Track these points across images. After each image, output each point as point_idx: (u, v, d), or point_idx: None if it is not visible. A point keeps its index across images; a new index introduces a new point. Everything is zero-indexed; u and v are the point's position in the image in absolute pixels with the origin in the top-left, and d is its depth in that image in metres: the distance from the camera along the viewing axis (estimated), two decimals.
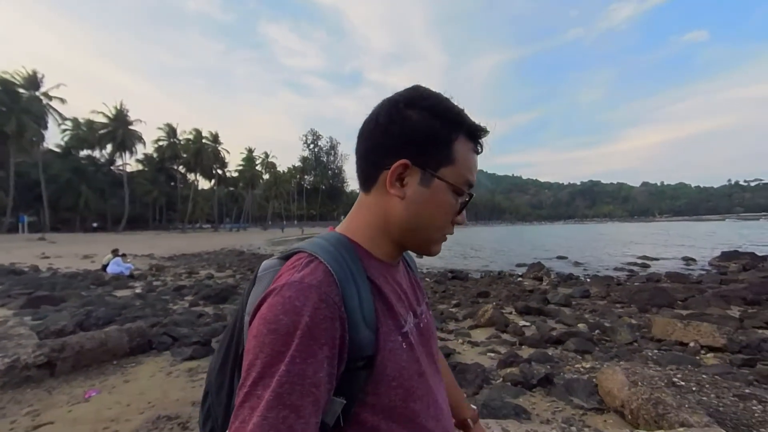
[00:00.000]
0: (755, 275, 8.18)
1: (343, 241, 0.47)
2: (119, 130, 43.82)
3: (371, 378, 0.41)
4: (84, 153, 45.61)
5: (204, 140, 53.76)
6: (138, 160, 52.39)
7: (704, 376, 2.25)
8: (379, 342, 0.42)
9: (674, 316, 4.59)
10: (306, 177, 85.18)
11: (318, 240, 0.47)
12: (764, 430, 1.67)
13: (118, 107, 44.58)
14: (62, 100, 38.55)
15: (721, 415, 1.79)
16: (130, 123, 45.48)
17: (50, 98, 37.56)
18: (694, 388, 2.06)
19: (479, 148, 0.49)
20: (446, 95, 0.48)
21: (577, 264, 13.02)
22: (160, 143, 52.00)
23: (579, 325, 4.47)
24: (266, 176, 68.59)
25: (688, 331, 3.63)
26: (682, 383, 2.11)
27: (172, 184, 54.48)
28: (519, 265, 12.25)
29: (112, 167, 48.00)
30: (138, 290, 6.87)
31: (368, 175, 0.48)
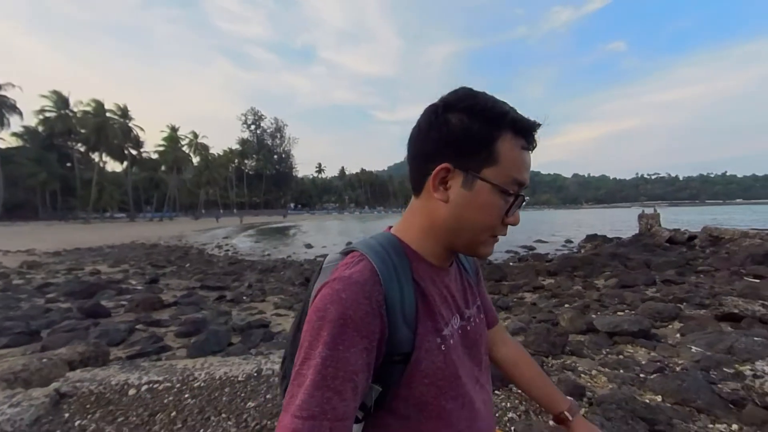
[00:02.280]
0: (590, 252, 10.49)
1: (394, 242, 0.50)
2: None
3: (406, 372, 0.44)
4: None
5: (109, 113, 45.56)
6: (16, 135, 42.40)
7: None
8: (417, 341, 0.45)
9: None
10: (247, 161, 77.87)
11: (371, 240, 0.50)
12: None
13: None
14: None
15: None
16: None
17: None
18: None
19: (531, 144, 0.47)
20: (494, 94, 0.47)
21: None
22: (47, 115, 42.65)
23: None
24: (197, 159, 61.43)
25: None
26: None
27: (69, 165, 45.41)
28: None
29: None
30: None
31: (416, 180, 0.49)
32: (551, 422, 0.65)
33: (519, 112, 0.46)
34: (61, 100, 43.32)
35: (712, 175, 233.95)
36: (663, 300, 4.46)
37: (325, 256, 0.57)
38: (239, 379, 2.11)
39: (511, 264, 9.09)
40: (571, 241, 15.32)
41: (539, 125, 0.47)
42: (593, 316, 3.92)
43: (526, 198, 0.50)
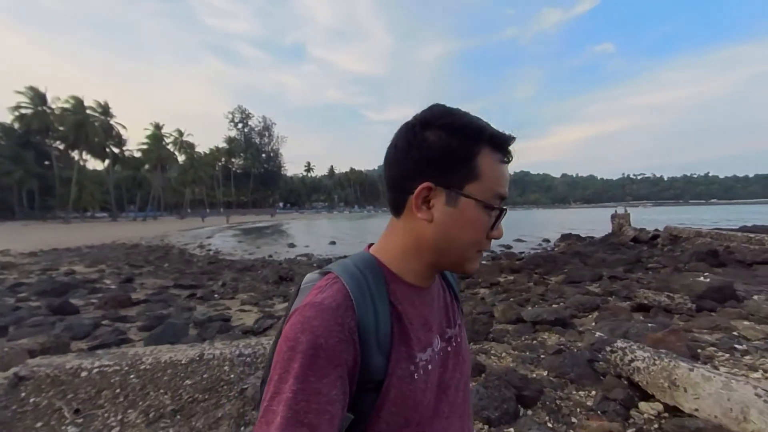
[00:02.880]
0: (557, 251, 11.08)
1: (372, 262, 0.48)
2: None
3: (378, 401, 0.43)
4: None
5: (89, 111, 44.41)
6: None
7: None
8: (389, 368, 0.43)
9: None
10: (234, 160, 77.13)
11: (347, 261, 0.48)
12: None
13: None
14: None
15: None
16: None
17: None
18: None
19: (508, 157, 0.48)
20: (473, 112, 0.47)
21: None
22: (22, 111, 41.28)
23: None
24: (182, 158, 60.44)
25: None
26: None
27: (47, 163, 44.06)
28: None
29: None
30: None
31: (396, 201, 0.48)
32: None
33: (494, 126, 0.47)
34: (38, 97, 41.94)
35: (695, 176, 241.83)
36: (596, 294, 4.94)
37: (305, 270, 0.64)
38: (182, 362, 2.39)
39: (482, 262, 9.56)
40: (548, 240, 16.02)
41: (514, 138, 0.47)
42: (529, 308, 4.34)
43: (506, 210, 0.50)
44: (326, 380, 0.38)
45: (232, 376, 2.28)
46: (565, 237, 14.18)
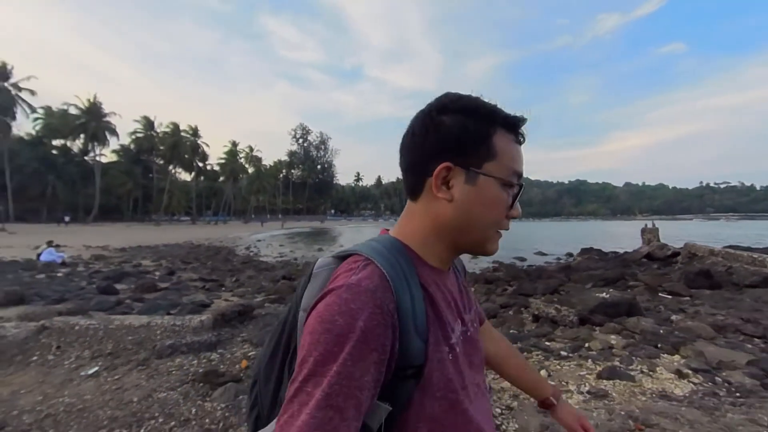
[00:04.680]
0: (573, 265, 10.24)
1: (398, 245, 0.48)
2: (91, 123, 44.49)
3: (418, 387, 0.41)
4: (59, 143, 46.04)
5: (183, 133, 54.54)
6: (114, 152, 52.91)
7: None
8: (429, 352, 0.42)
9: None
10: (293, 171, 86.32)
11: (373, 243, 0.47)
12: None
13: (92, 100, 45.19)
14: (32, 92, 39.28)
15: None
16: (104, 116, 46.14)
17: (20, 89, 38.25)
18: None
19: (521, 138, 0.49)
20: (476, 94, 0.48)
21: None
22: (137, 135, 52.54)
23: None
24: (251, 170, 69.78)
25: None
26: None
27: (150, 176, 55.12)
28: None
29: (86, 158, 48.28)
30: (59, 274, 8.42)
31: (414, 185, 0.49)
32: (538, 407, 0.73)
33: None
34: (148, 123, 53.34)
35: None
36: (506, 304, 4.97)
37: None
38: (135, 325, 3.35)
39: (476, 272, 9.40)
40: (571, 254, 14.63)
41: (526, 120, 0.49)
42: None
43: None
44: (362, 364, 0.36)
45: (158, 337, 3.16)
46: (584, 251, 13.00)
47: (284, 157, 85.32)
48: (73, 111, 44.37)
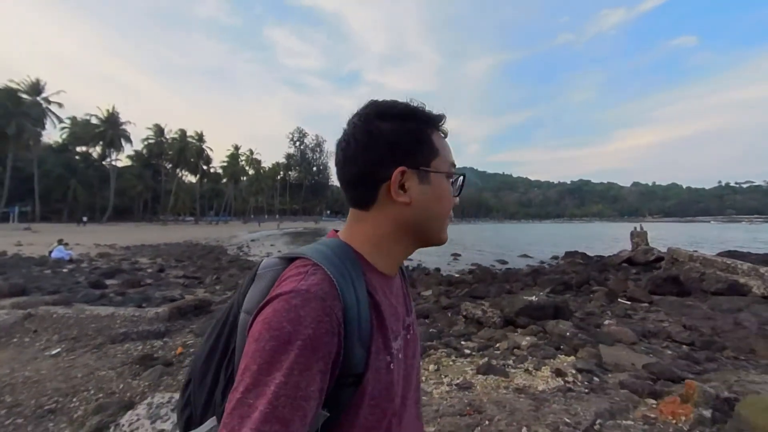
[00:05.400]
0: (551, 269, 10.57)
1: (348, 251, 0.48)
2: (109, 131, 47.42)
3: (355, 395, 0.42)
4: (81, 149, 49.45)
5: (189, 139, 57.28)
6: (129, 157, 55.56)
7: None
8: (370, 360, 0.42)
9: None
10: (290, 173, 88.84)
11: (322, 248, 0.47)
12: None
13: (110, 110, 48.30)
14: (60, 105, 42.66)
15: None
16: (120, 124, 49.16)
17: (50, 102, 41.74)
18: None
19: (445, 132, 0.53)
20: (411, 100, 0.51)
21: (456, 257, 14.98)
22: (149, 141, 55.38)
23: None
24: (251, 172, 72.00)
25: None
26: None
27: (159, 179, 57.50)
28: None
29: (103, 163, 50.82)
30: (65, 270, 9.25)
31: (365, 195, 0.49)
32: None
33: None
34: (159, 131, 56.39)
35: None
36: (444, 306, 5.32)
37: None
38: (102, 315, 4.05)
39: (426, 274, 9.83)
40: (557, 257, 14.84)
41: (445, 116, 0.52)
42: None
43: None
44: (307, 374, 0.36)
45: (117, 325, 3.80)
46: (569, 254, 13.31)
47: (282, 160, 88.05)
48: (94, 120, 47.72)
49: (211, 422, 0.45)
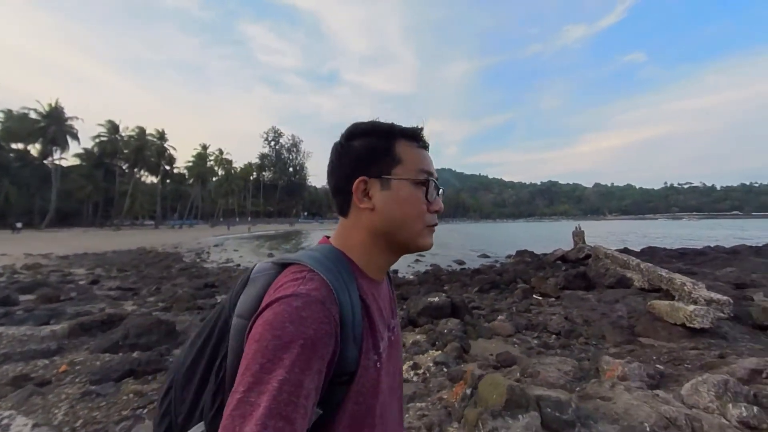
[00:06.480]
0: (493, 268, 11.24)
1: (341, 257, 0.52)
2: (51, 127, 42.84)
3: (348, 393, 0.44)
4: (17, 146, 43.89)
5: (149, 137, 53.26)
6: (77, 155, 50.71)
7: None
8: (361, 359, 0.45)
9: None
10: (264, 173, 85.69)
11: (316, 254, 0.50)
12: None
13: (53, 104, 43.60)
14: None
15: None
16: (66, 119, 44.56)
17: None
18: None
19: (423, 143, 0.57)
20: (380, 118, 0.56)
21: (419, 259, 15.66)
22: (101, 139, 50.68)
23: None
24: (222, 173, 68.66)
25: None
26: None
27: (113, 180, 53.18)
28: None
29: (45, 162, 46.06)
30: None
31: (342, 204, 0.55)
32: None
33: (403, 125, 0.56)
34: (113, 127, 51.65)
35: (757, 185, 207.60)
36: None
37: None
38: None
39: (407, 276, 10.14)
40: (510, 256, 15.78)
41: (422, 128, 0.57)
42: None
43: (441, 187, 0.57)
44: (308, 372, 0.37)
45: (1, 346, 3.63)
46: (519, 253, 14.23)
47: (255, 160, 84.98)
48: (33, 115, 42.66)
49: (198, 428, 0.45)
